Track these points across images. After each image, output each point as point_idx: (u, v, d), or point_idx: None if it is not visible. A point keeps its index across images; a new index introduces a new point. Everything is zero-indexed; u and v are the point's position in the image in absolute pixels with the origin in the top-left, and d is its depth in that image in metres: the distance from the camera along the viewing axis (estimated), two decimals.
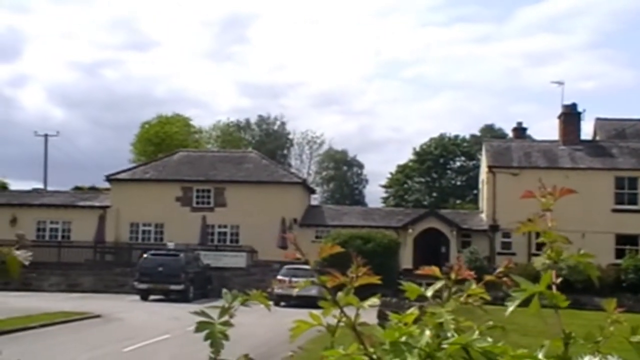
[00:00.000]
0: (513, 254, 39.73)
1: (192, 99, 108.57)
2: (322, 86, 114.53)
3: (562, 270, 1.76)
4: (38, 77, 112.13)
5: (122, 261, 40.94)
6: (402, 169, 76.53)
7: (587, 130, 50.72)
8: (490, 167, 42.80)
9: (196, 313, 1.67)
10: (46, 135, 62.65)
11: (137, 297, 33.27)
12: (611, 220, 40.35)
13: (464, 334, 1.41)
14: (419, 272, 1.48)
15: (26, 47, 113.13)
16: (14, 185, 68.17)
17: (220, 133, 79.46)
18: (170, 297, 32.89)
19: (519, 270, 1.82)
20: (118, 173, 45.84)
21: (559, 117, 44.85)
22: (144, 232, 44.05)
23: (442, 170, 75.28)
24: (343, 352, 1.40)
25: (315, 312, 1.67)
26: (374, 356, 1.35)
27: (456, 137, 76.26)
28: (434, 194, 73.91)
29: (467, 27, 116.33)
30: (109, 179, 45.59)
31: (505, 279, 1.81)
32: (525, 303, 1.63)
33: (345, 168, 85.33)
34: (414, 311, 1.56)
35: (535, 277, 1.74)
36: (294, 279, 30.05)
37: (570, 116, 44.24)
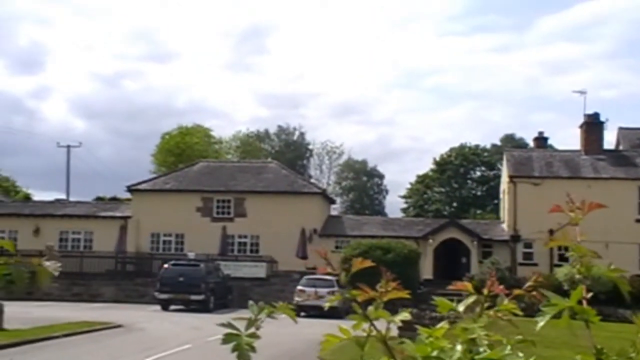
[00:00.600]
0: (535, 264, 39.43)
1: (212, 109, 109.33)
2: (341, 96, 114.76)
3: (581, 282, 1.76)
4: (60, 89, 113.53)
5: (143, 271, 41.14)
6: (422, 179, 76.28)
7: (609, 140, 50.20)
8: (511, 177, 42.54)
9: (223, 325, 1.68)
10: (68, 146, 63.29)
11: (158, 307, 33.39)
12: (635, 230, 39.88)
13: (495, 349, 1.41)
14: (451, 287, 1.48)
15: (49, 59, 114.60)
16: (37, 196, 68.99)
17: (240, 143, 79.78)
18: (191, 307, 32.97)
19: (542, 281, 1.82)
20: (139, 184, 46.16)
21: (581, 126, 44.50)
22: (164, 242, 44.29)
23: (462, 180, 74.93)
24: None
25: (343, 324, 1.68)
26: None
27: (476, 146, 75.91)
28: (454, 204, 73.54)
29: (487, 37, 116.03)
30: (129, 189, 45.92)
31: (534, 293, 1.81)
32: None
33: (365, 178, 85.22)
34: (444, 325, 1.56)
35: (557, 288, 1.74)
36: (317, 290, 30.07)
37: (593, 125, 43.87)
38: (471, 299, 1.46)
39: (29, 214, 44.96)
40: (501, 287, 1.49)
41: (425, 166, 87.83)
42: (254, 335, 1.63)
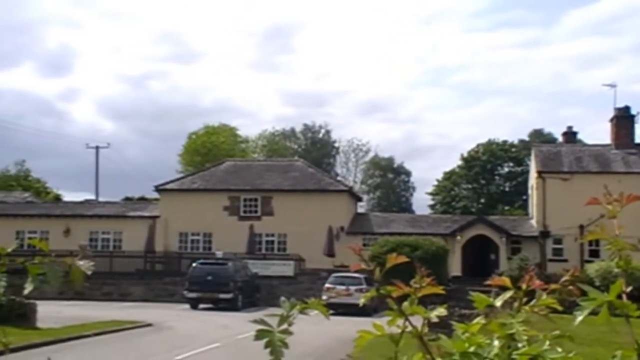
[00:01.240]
0: (565, 260, 38.98)
1: (238, 108, 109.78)
2: (367, 94, 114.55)
3: (615, 277, 1.72)
4: (88, 91, 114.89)
5: (171, 270, 41.45)
6: (449, 175, 75.86)
7: None
8: (539, 173, 42.09)
9: (255, 322, 1.68)
10: (97, 147, 63.93)
11: (187, 306, 33.62)
12: None
13: (533, 345, 1.38)
14: (489, 282, 1.45)
15: (77, 61, 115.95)
16: (67, 196, 69.95)
17: (266, 142, 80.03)
18: (220, 305, 33.14)
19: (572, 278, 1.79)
20: (166, 183, 46.50)
21: (611, 120, 43.89)
22: (192, 241, 44.57)
23: (490, 176, 74.35)
24: None
25: (372, 321, 1.66)
26: None
27: (504, 142, 75.27)
28: (482, 201, 73.03)
29: (513, 32, 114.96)
30: (157, 189, 46.28)
31: (571, 287, 1.78)
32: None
33: (391, 175, 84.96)
34: (480, 321, 1.53)
35: (588, 284, 1.70)
36: (346, 287, 30.08)
37: (623, 119, 43.24)
38: (508, 294, 1.43)
39: (60, 215, 45.54)
40: (539, 282, 1.46)
41: (453, 163, 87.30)
42: (286, 332, 1.62)
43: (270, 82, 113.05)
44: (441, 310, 1.40)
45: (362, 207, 57.85)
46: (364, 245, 41.15)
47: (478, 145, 75.20)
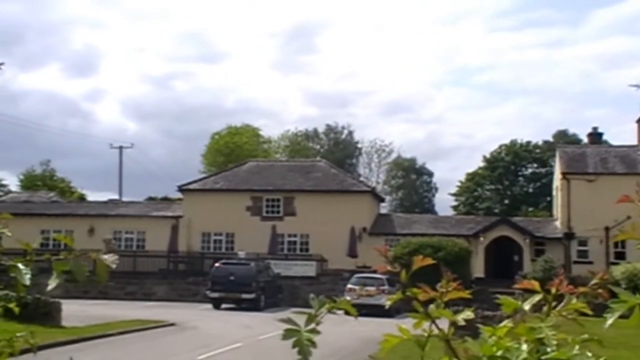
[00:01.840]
0: (590, 262, 38.60)
1: (261, 109, 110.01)
2: (390, 94, 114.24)
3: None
4: (113, 91, 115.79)
5: (194, 270, 41.66)
6: (472, 176, 75.42)
7: None
8: (564, 174, 41.70)
9: (282, 321, 1.67)
10: (121, 148, 64.39)
11: (210, 306, 33.76)
12: None
13: (563, 349, 1.36)
14: (517, 285, 1.42)
15: (102, 62, 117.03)
16: (92, 196, 70.68)
17: (289, 143, 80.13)
18: (242, 305, 33.23)
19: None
20: (189, 183, 46.75)
21: (638, 120, 43.38)
22: (215, 241, 44.77)
23: (513, 177, 73.80)
24: None
25: (395, 322, 1.64)
26: None
27: (528, 143, 74.68)
28: (506, 202, 72.51)
29: (538, 32, 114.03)
30: (180, 189, 46.55)
31: (600, 290, 1.74)
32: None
33: (414, 176, 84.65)
34: (507, 324, 1.50)
35: (614, 286, 1.67)
36: (369, 288, 30.02)
37: None
38: (537, 298, 1.41)
39: (84, 214, 46.00)
40: (570, 286, 1.43)
41: (476, 164, 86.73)
42: (314, 331, 1.61)
43: (294, 82, 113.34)
44: (468, 314, 1.38)
45: (384, 208, 57.78)
46: (387, 246, 41.19)
47: (500, 147, 74.70)
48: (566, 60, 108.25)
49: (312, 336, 1.53)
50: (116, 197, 59.89)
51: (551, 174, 56.61)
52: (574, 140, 66.90)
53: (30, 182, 69.78)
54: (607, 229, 37.26)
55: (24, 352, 2.28)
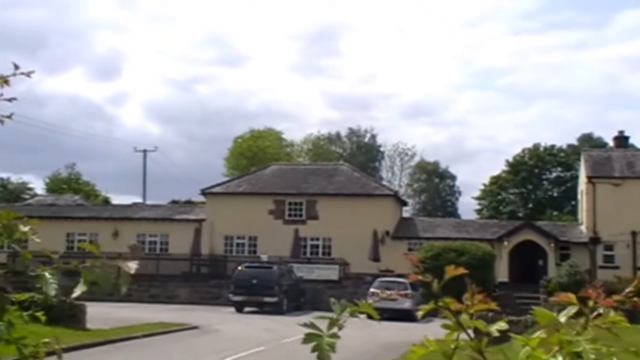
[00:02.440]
0: (617, 267, 38.13)
1: (283, 112, 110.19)
2: (413, 97, 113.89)
3: None
4: (136, 95, 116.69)
5: (217, 273, 41.78)
6: (495, 180, 74.87)
7: None
8: (589, 178, 41.25)
9: (304, 325, 1.65)
10: (144, 151, 64.79)
11: (232, 309, 33.83)
12: None
13: None
14: (553, 299, 1.38)
15: (125, 66, 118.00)
16: (116, 199, 71.28)
17: (312, 146, 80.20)
18: (265, 309, 33.26)
19: (624, 285, 1.71)
20: (212, 187, 46.94)
21: None
22: (237, 244, 44.88)
23: (537, 181, 73.13)
24: None
25: (417, 327, 1.61)
26: None
27: (552, 146, 73.99)
28: (530, 206, 71.85)
29: (562, 34, 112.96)
30: (203, 192, 46.75)
31: (635, 299, 1.69)
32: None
33: (437, 180, 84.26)
34: (540, 335, 1.46)
35: None
36: (392, 292, 29.94)
37: None
38: (573, 310, 1.36)
39: (108, 217, 46.37)
40: (609, 299, 1.38)
41: (499, 167, 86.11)
42: (335, 336, 1.59)
43: (315, 85, 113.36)
44: (502, 324, 1.34)
45: (407, 212, 57.52)
46: (409, 250, 40.98)
47: (524, 150, 74.07)
48: (590, 62, 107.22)
49: (333, 341, 1.50)
50: (140, 200, 60.30)
51: (576, 177, 56.04)
52: (599, 144, 66.16)
53: (55, 185, 70.56)
54: (634, 233, 36.76)
55: (49, 354, 2.27)
